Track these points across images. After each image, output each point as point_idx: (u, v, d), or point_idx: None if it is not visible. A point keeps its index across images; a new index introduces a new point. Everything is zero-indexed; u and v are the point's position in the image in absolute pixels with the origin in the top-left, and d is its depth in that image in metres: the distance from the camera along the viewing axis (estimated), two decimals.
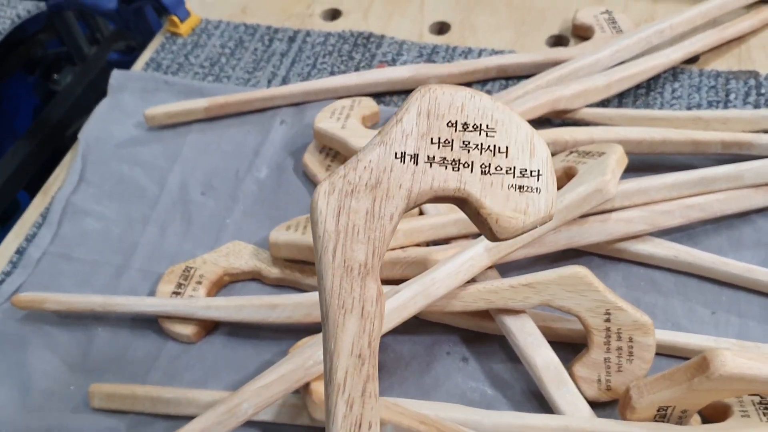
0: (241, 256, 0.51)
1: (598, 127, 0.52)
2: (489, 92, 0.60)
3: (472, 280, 0.44)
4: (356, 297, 0.24)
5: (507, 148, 0.25)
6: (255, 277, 0.51)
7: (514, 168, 0.25)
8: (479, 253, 0.44)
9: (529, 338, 0.43)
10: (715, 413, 0.40)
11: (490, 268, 0.46)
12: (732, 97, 0.57)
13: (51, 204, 0.57)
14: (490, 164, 0.25)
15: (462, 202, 0.25)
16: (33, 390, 0.47)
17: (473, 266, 0.43)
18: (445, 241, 0.48)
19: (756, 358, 0.37)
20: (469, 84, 0.61)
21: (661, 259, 0.48)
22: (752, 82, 0.58)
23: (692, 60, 0.61)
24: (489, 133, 0.25)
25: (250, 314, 0.46)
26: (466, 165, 0.25)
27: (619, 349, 0.42)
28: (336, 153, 0.55)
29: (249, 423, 0.43)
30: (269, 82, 0.63)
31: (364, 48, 0.65)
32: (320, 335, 0.41)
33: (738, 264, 0.47)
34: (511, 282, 0.43)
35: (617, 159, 0.46)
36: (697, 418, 0.40)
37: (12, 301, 0.49)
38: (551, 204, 0.25)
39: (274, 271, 0.50)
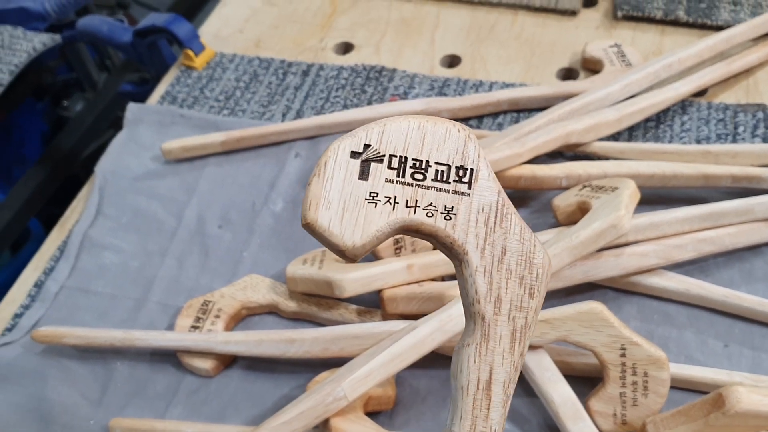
0: (258, 289, 0.51)
1: (610, 161, 0.53)
2: (501, 125, 0.61)
3: None
4: None
5: None
6: (272, 311, 0.52)
7: None
8: None
9: (546, 374, 0.44)
10: None
11: None
12: (740, 129, 0.58)
13: (69, 237, 0.57)
14: None
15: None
16: (53, 424, 0.47)
17: None
18: None
19: None
20: (480, 117, 0.62)
21: (674, 293, 0.49)
22: (760, 114, 0.58)
23: (700, 93, 0.61)
24: None
25: (268, 349, 0.47)
26: None
27: (635, 383, 0.42)
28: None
29: None
30: (284, 115, 0.64)
31: (377, 81, 0.66)
32: (339, 370, 0.42)
33: (751, 297, 0.48)
34: None
35: (630, 194, 0.47)
36: None
37: (32, 335, 0.50)
38: None
39: (291, 305, 0.51)
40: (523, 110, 0.62)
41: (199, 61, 0.69)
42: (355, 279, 0.47)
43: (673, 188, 0.53)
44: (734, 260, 0.51)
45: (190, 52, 0.69)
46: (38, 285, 0.55)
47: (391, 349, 0.42)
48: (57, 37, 0.80)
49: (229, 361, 0.49)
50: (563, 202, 0.50)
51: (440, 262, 0.48)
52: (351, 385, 0.41)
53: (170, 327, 0.51)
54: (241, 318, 0.52)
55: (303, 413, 0.41)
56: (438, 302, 0.46)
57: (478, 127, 0.61)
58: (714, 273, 0.50)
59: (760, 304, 0.47)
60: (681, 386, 0.45)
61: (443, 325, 0.43)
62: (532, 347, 0.44)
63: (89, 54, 1.17)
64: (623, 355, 0.42)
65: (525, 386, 0.46)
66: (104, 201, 0.60)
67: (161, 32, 0.69)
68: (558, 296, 0.48)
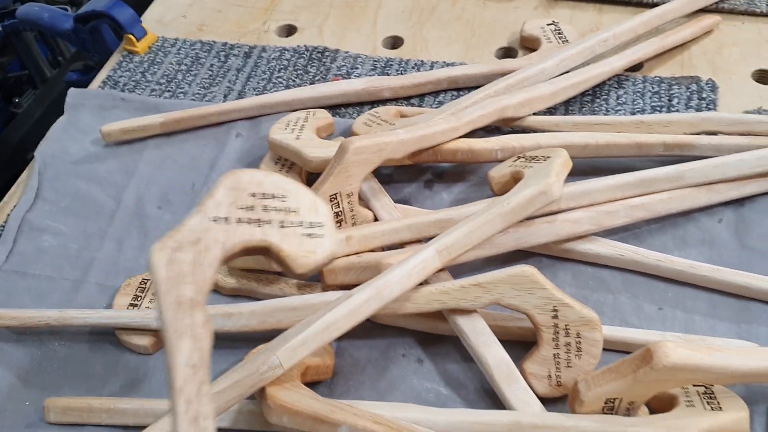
0: None
1: (544, 133, 0.54)
2: (441, 103, 0.61)
3: (425, 282, 0.45)
4: (187, 323, 0.30)
5: (298, 208, 0.34)
6: (212, 289, 0.51)
7: (303, 222, 0.34)
8: (431, 255, 0.44)
9: (480, 337, 0.44)
10: (661, 404, 0.41)
11: (442, 270, 0.47)
12: (675, 101, 0.59)
13: (6, 222, 0.57)
14: (284, 220, 0.33)
15: (266, 250, 0.33)
16: None
17: (425, 268, 0.44)
18: (399, 246, 0.49)
19: (698, 349, 0.38)
20: (421, 96, 0.62)
21: (608, 258, 0.49)
22: (694, 87, 0.60)
23: (636, 68, 0.63)
24: (282, 199, 0.33)
25: None
26: (267, 222, 0.33)
27: (568, 345, 0.43)
28: (291, 163, 0.56)
29: None
30: (225, 97, 0.64)
31: (319, 62, 0.66)
32: (274, 339, 0.42)
33: (683, 261, 0.49)
34: (461, 282, 0.44)
35: (562, 162, 0.48)
36: (644, 409, 0.42)
37: None
38: (334, 245, 0.35)
39: (230, 282, 0.50)
40: (462, 88, 0.62)
41: (141, 46, 0.68)
42: None
43: (607, 158, 0.53)
44: (667, 227, 0.52)
45: (132, 37, 0.68)
46: None
47: (326, 317, 0.42)
48: None
49: None
50: (498, 173, 0.51)
51: (378, 233, 0.49)
52: (286, 354, 0.41)
53: (109, 308, 0.51)
54: None
55: (238, 382, 0.41)
56: (375, 271, 0.46)
57: (419, 105, 0.62)
58: (648, 240, 0.51)
59: (691, 267, 0.48)
60: (615, 348, 0.46)
61: (379, 292, 0.43)
62: (466, 312, 0.45)
63: (40, 50, 1.16)
64: (555, 317, 0.43)
65: (462, 352, 0.46)
66: (43, 185, 0.59)
67: (102, 17, 0.69)
68: (493, 265, 0.49)
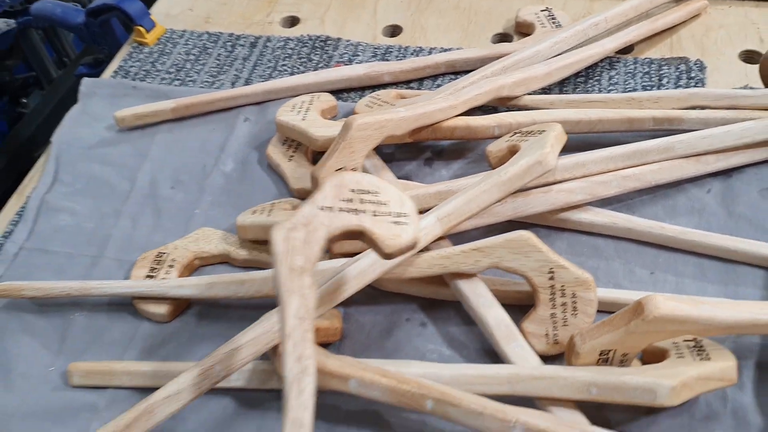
0: (210, 240, 0.54)
1: (539, 110, 0.56)
2: (439, 87, 0.64)
3: (426, 249, 0.48)
4: (297, 285, 0.36)
5: (388, 201, 0.40)
6: (224, 261, 0.54)
7: (392, 212, 0.40)
8: (431, 222, 0.47)
9: (481, 299, 0.47)
10: (653, 358, 0.44)
11: (442, 239, 0.49)
12: (665, 81, 0.61)
13: (26, 203, 0.59)
14: (376, 210, 0.40)
15: (361, 233, 0.39)
16: (12, 373, 0.49)
17: (427, 235, 0.47)
18: None
19: (686, 302, 0.40)
20: (420, 80, 0.65)
21: (602, 227, 0.52)
22: (683, 67, 0.62)
23: (627, 50, 0.65)
24: (375, 194, 0.40)
25: (220, 290, 0.49)
26: (363, 211, 0.39)
27: (564, 304, 0.45)
28: (298, 144, 0.59)
29: (222, 391, 0.46)
30: (233, 84, 0.67)
31: (322, 50, 0.68)
32: None
33: (673, 227, 0.51)
34: (462, 248, 0.47)
35: (556, 135, 0.50)
36: (637, 362, 0.44)
37: None
38: (416, 231, 0.40)
39: (242, 254, 0.53)
40: (459, 72, 0.65)
41: (150, 37, 0.71)
42: None
43: (599, 133, 0.56)
44: (658, 197, 0.54)
45: (142, 29, 0.71)
46: None
47: (334, 280, 0.45)
48: (11, 22, 0.82)
49: (184, 307, 0.51)
50: (495, 147, 0.53)
51: None
52: None
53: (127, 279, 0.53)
54: (195, 268, 0.54)
55: (253, 340, 0.43)
56: None
57: (418, 89, 0.64)
58: (639, 210, 0.53)
59: (682, 233, 0.51)
60: (609, 309, 0.48)
61: None
62: (466, 276, 0.47)
63: (47, 51, 1.18)
64: (552, 278, 0.45)
65: (463, 316, 0.49)
66: (60, 169, 0.61)
67: (113, 10, 0.71)
68: (490, 234, 0.51)
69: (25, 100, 1.21)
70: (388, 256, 0.40)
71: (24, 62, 1.22)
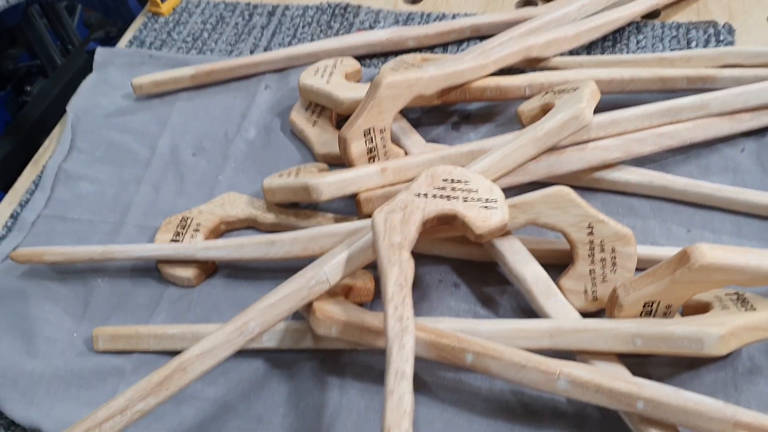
0: (236, 204, 0.52)
1: (570, 70, 0.55)
2: (463, 50, 0.63)
3: None
4: (396, 257, 0.39)
5: (477, 189, 0.43)
6: (250, 225, 0.53)
7: (481, 198, 0.43)
8: None
9: (517, 256, 0.45)
10: (695, 313, 0.43)
11: None
12: (693, 45, 0.60)
13: (43, 171, 0.58)
14: (467, 197, 0.43)
15: (453, 217, 0.42)
16: (37, 338, 0.48)
17: None
18: None
19: (733, 250, 0.39)
20: (445, 45, 0.64)
21: (637, 185, 0.51)
22: (711, 30, 0.61)
23: (653, 15, 0.64)
24: (466, 183, 0.43)
25: (249, 251, 0.48)
26: (455, 198, 0.43)
27: (603, 260, 0.44)
28: (322, 109, 0.57)
29: (253, 353, 0.45)
30: (251, 52, 0.65)
31: (342, 18, 0.67)
32: (320, 258, 0.43)
33: (709, 185, 0.50)
34: None
35: (591, 91, 0.49)
36: (678, 317, 0.43)
37: (11, 256, 0.50)
38: (505, 215, 0.43)
39: (269, 217, 0.52)
40: (485, 36, 0.63)
41: (165, 7, 0.70)
42: (331, 182, 0.48)
43: (631, 93, 0.55)
44: (692, 157, 0.53)
45: None
46: (14, 216, 0.56)
47: (368, 237, 0.44)
48: None
49: (211, 270, 0.50)
50: (527, 107, 0.52)
51: (413, 164, 0.50)
52: (332, 269, 0.42)
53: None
54: (220, 233, 0.53)
55: (287, 296, 0.42)
56: None
57: (443, 54, 0.63)
58: (673, 170, 0.52)
59: (718, 190, 0.50)
60: (648, 267, 0.47)
61: None
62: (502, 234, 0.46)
63: (51, 39, 1.17)
64: (591, 233, 0.44)
65: (496, 276, 0.48)
66: (77, 137, 0.60)
67: None
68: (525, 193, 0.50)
69: (29, 88, 1.20)
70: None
71: (27, 51, 1.21)
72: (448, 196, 0.43)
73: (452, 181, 0.43)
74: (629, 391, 0.38)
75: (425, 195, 0.43)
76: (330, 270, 0.42)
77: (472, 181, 0.44)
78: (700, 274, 0.39)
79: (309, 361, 0.45)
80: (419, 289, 0.48)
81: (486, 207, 0.43)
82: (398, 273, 0.39)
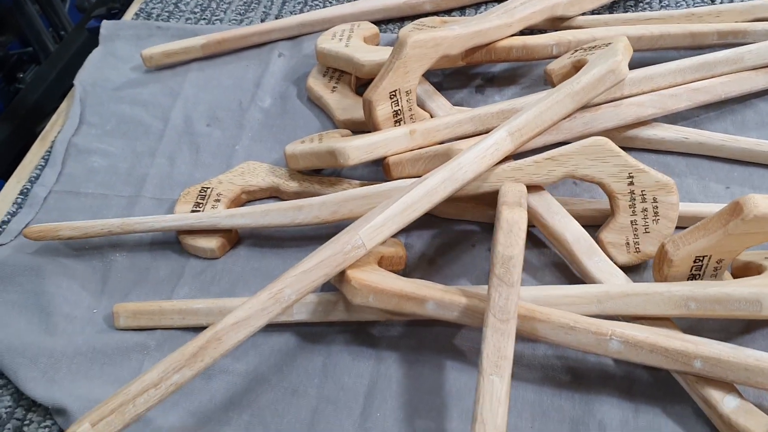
0: (257, 174, 0.50)
1: (598, 28, 0.54)
2: (481, 13, 0.61)
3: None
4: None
5: None
6: (273, 195, 0.51)
7: None
8: (502, 137, 0.44)
9: (555, 216, 0.44)
10: (746, 275, 0.41)
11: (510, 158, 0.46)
12: (718, 1, 0.59)
13: (52, 147, 0.56)
14: None
15: None
16: (55, 316, 0.46)
17: (498, 150, 0.43)
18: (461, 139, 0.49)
19: None
20: (462, 8, 0.62)
21: (673, 143, 0.49)
22: None
23: None
24: None
25: (276, 218, 0.46)
26: None
27: (645, 210, 0.43)
28: (340, 74, 0.56)
29: (283, 327, 0.43)
30: (262, 21, 0.63)
31: None
32: (355, 222, 0.41)
33: (748, 139, 0.48)
34: (534, 158, 0.44)
35: (624, 45, 0.47)
36: (728, 276, 0.41)
37: (24, 233, 0.48)
38: None
39: (292, 185, 0.50)
40: None
41: None
42: (358, 146, 0.47)
43: (661, 49, 0.53)
44: (726, 113, 0.51)
45: None
46: (24, 193, 0.54)
47: (404, 199, 0.42)
48: None
49: (234, 241, 0.48)
50: (557, 65, 0.51)
51: (442, 126, 0.48)
52: (368, 233, 0.40)
53: None
54: (242, 203, 0.51)
55: (323, 262, 0.40)
56: (444, 158, 0.45)
57: (461, 16, 0.61)
58: (708, 126, 0.51)
59: (757, 144, 0.48)
60: (689, 225, 0.45)
61: (453, 173, 0.42)
62: (537, 189, 0.44)
63: (44, 25, 1.14)
64: (631, 183, 0.42)
65: (532, 240, 0.46)
66: (86, 110, 0.58)
67: None
68: None
69: (21, 75, 1.17)
70: None
71: (18, 38, 1.18)
72: None
73: None
74: (686, 350, 0.37)
75: None
76: (365, 234, 0.40)
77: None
78: (753, 225, 0.37)
79: (341, 333, 0.43)
80: (452, 255, 0.46)
81: None
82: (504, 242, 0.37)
